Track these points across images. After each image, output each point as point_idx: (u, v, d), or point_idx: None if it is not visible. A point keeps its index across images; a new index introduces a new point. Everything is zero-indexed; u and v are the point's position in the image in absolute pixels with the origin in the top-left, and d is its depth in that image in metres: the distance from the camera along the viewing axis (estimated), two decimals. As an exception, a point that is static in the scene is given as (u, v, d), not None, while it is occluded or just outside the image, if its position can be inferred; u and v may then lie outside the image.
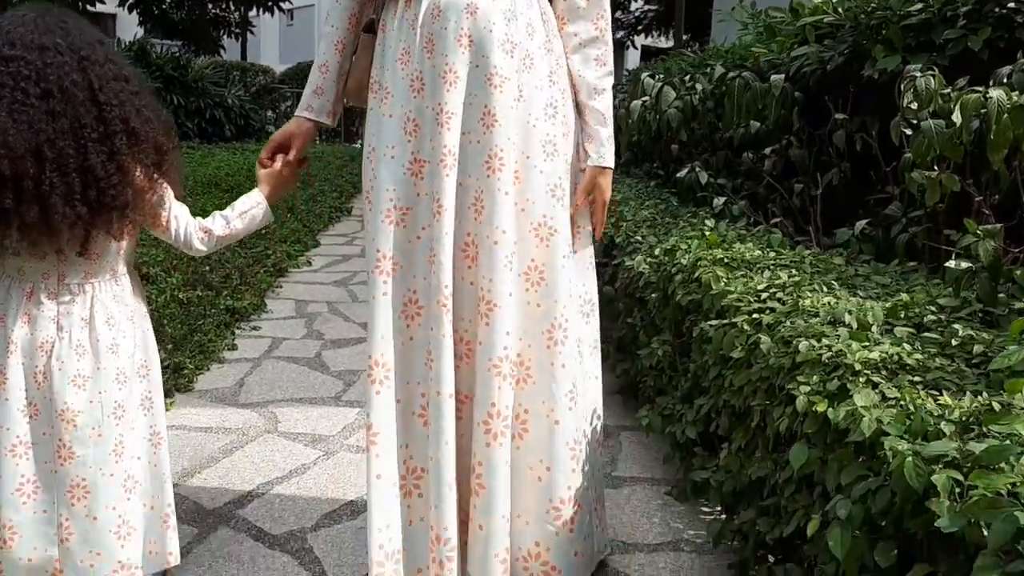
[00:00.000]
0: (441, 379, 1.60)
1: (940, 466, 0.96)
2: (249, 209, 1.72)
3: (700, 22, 15.56)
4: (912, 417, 1.07)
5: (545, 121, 1.65)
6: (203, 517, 2.15)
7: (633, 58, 27.89)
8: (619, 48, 22.74)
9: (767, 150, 3.27)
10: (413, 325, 1.67)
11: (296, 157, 1.77)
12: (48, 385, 1.50)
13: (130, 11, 18.39)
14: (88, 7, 16.25)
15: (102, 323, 1.54)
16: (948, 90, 1.88)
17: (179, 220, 1.64)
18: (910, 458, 0.97)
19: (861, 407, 1.14)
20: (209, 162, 8.46)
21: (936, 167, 1.87)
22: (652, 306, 2.43)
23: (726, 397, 1.80)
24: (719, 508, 2.05)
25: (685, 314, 2.20)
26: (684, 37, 15.85)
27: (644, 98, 3.93)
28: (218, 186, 7.03)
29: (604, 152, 1.73)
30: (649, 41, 24.22)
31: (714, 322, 1.88)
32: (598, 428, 1.89)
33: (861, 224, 2.29)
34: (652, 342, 2.41)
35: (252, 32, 19.93)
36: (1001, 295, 1.61)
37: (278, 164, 1.77)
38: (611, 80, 1.77)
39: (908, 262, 2.06)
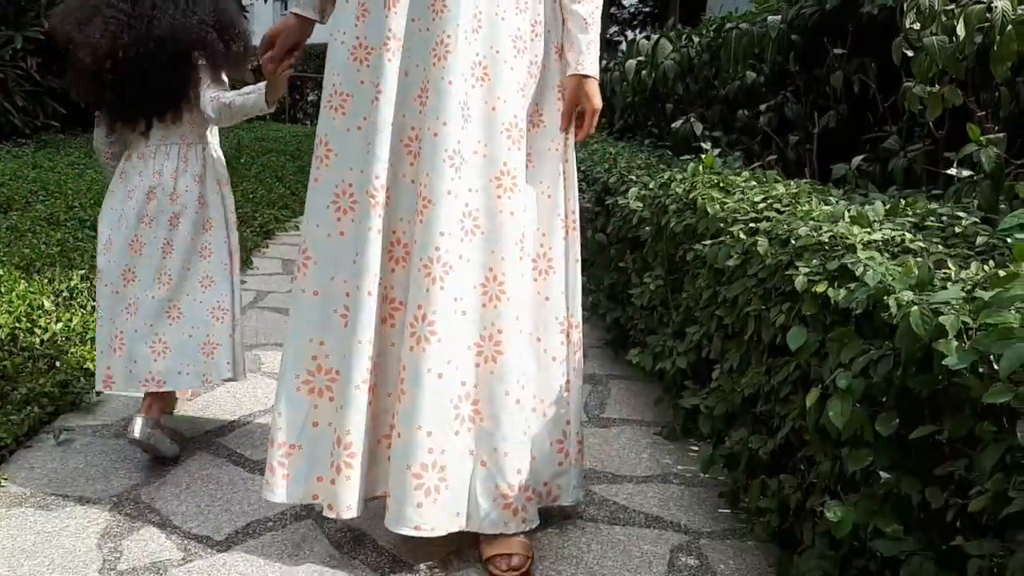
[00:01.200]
0: (363, 274, 1.51)
1: (948, 310, 0.91)
2: (249, 92, 1.93)
3: (694, 20, 15.57)
4: (919, 271, 1.03)
5: (516, 15, 1.56)
6: (181, 443, 2.09)
7: (627, 54, 27.90)
8: (612, 46, 22.73)
9: (763, 106, 3.23)
10: (344, 219, 1.58)
11: (279, 52, 1.70)
12: (154, 223, 1.97)
13: None
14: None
15: (189, 177, 2.00)
16: (951, 6, 1.84)
17: (206, 94, 1.97)
18: (916, 307, 0.93)
19: (865, 260, 1.10)
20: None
21: (938, 84, 1.83)
22: (645, 242, 2.39)
23: (719, 313, 1.76)
24: (709, 440, 2.01)
25: (678, 245, 2.16)
26: (677, 24, 15.85)
27: (639, 57, 3.89)
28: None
29: (584, 59, 1.62)
30: (643, 37, 24.28)
31: (708, 241, 1.84)
32: (576, 342, 1.80)
33: (858, 159, 2.25)
34: (644, 278, 2.36)
35: (246, 16, 19.79)
36: (1003, 206, 1.58)
37: (270, 67, 1.72)
38: None
39: (906, 190, 2.03)
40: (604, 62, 6.23)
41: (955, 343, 0.87)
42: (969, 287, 1.01)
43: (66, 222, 3.99)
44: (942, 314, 0.89)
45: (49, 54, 7.66)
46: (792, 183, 2.11)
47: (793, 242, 1.42)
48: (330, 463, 1.57)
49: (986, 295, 0.91)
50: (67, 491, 1.83)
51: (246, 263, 4.01)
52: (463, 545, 1.71)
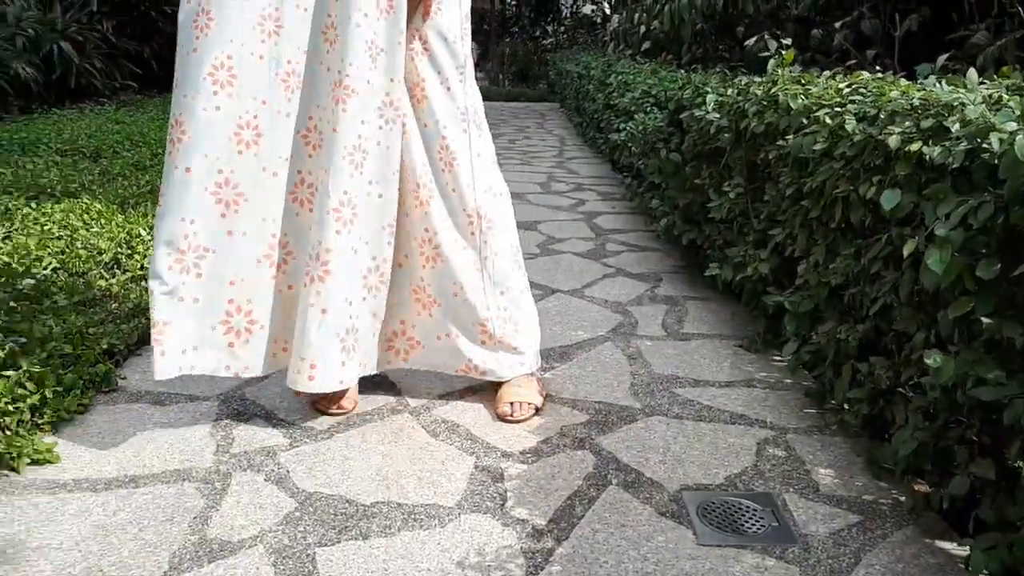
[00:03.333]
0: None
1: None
2: None
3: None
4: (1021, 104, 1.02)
5: None
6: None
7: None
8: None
9: (837, 24, 3.15)
10: (222, 93, 1.56)
11: None
12: None
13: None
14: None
15: None
16: None
17: None
18: (1022, 136, 0.93)
19: (957, 136, 1.09)
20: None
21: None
22: (723, 153, 2.38)
23: (805, 205, 1.76)
24: (794, 340, 2.01)
25: (759, 148, 2.15)
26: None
27: (708, -18, 3.82)
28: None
29: None
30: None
31: (791, 137, 1.83)
32: (513, 244, 1.87)
33: (943, 58, 2.20)
34: (723, 188, 2.36)
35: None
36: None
37: None
38: None
39: (997, 82, 1.97)
40: None
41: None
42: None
43: (151, 167, 4.15)
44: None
45: (124, 17, 7.90)
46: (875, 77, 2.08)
47: (883, 115, 1.41)
48: (222, 331, 1.66)
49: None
50: (177, 390, 1.95)
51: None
52: (554, 433, 1.77)
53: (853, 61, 2.55)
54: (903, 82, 1.60)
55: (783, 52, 2.19)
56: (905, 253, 1.18)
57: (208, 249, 1.60)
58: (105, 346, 2.03)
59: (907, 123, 1.27)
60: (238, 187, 1.60)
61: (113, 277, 2.48)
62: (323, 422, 1.81)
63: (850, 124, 1.48)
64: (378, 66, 1.59)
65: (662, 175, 3.02)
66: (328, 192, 1.59)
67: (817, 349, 1.84)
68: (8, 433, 1.57)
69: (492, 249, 1.79)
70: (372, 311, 1.74)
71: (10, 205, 3.09)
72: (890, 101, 1.35)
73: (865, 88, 1.68)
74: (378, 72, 1.59)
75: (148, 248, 2.74)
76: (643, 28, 6.17)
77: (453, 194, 1.74)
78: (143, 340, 2.22)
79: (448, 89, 1.71)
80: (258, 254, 1.66)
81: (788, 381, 2.09)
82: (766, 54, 3.01)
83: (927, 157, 1.17)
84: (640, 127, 2.95)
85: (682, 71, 3.50)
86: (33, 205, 3.16)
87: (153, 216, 3.14)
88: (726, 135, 2.29)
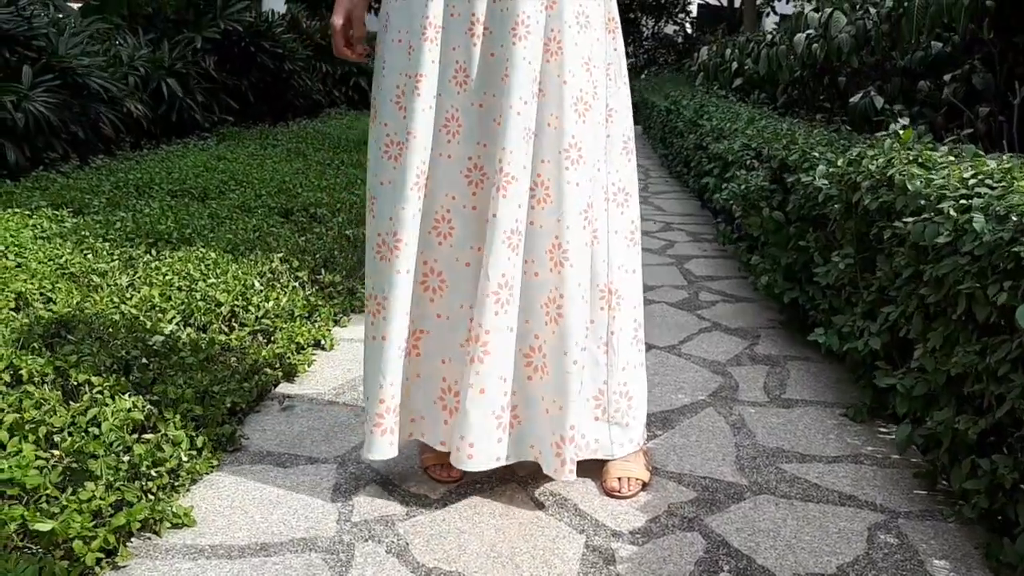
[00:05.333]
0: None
1: None
2: None
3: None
4: None
5: None
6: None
7: (771, 25, 26.85)
8: (758, 16, 21.94)
9: (947, 76, 3.09)
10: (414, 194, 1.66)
11: (361, 33, 1.79)
12: None
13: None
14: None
15: None
16: None
17: None
18: None
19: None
20: (358, 125, 8.82)
21: None
22: (832, 221, 2.36)
23: (923, 292, 1.74)
24: (903, 420, 1.99)
25: (871, 224, 2.13)
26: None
27: (808, 31, 3.79)
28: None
29: None
30: (789, 8, 23.29)
31: (910, 219, 1.81)
32: (637, 320, 1.87)
33: (1068, 130, 2.14)
34: (832, 258, 2.34)
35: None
36: None
37: (359, 50, 1.81)
38: None
39: None
40: (760, 34, 6.08)
41: None
42: None
43: (256, 209, 4.33)
44: None
45: (226, 53, 8.27)
46: (1001, 156, 2.04)
47: (1015, 218, 1.40)
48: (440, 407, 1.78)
49: None
50: (297, 451, 2.04)
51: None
52: (662, 512, 1.79)
53: (967, 131, 2.50)
54: (1033, 176, 1.57)
55: (896, 122, 2.17)
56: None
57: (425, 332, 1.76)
58: (229, 404, 2.14)
59: (1045, 237, 1.26)
60: (441, 275, 1.75)
61: (232, 332, 2.61)
62: (436, 489, 1.87)
63: (978, 223, 1.47)
64: (531, 149, 1.65)
65: (763, 231, 3.01)
66: (488, 275, 1.64)
67: (931, 433, 1.81)
68: (151, 498, 1.68)
69: (618, 324, 1.83)
70: (537, 392, 1.75)
71: (133, 254, 3.28)
72: (1021, 197, 1.33)
73: (991, 178, 1.66)
74: (530, 155, 1.65)
75: (262, 300, 2.87)
76: (735, 64, 6.14)
77: (589, 267, 1.76)
78: (262, 396, 2.33)
79: (598, 170, 1.76)
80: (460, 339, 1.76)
81: (896, 457, 2.06)
82: (875, 117, 2.98)
83: (1069, 277, 1.15)
84: (742, 186, 2.94)
85: (783, 123, 3.47)
86: (153, 253, 3.35)
87: (264, 263, 3.29)
88: (836, 206, 2.28)
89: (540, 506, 1.81)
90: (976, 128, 2.78)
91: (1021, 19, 2.64)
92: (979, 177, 1.68)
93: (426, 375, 1.79)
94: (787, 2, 22.40)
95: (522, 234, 1.65)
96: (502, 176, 1.62)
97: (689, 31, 25.24)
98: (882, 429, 2.23)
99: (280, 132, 7.83)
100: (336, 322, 2.98)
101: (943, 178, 1.73)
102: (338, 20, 1.75)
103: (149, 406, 1.97)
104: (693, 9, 25.89)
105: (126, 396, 2.00)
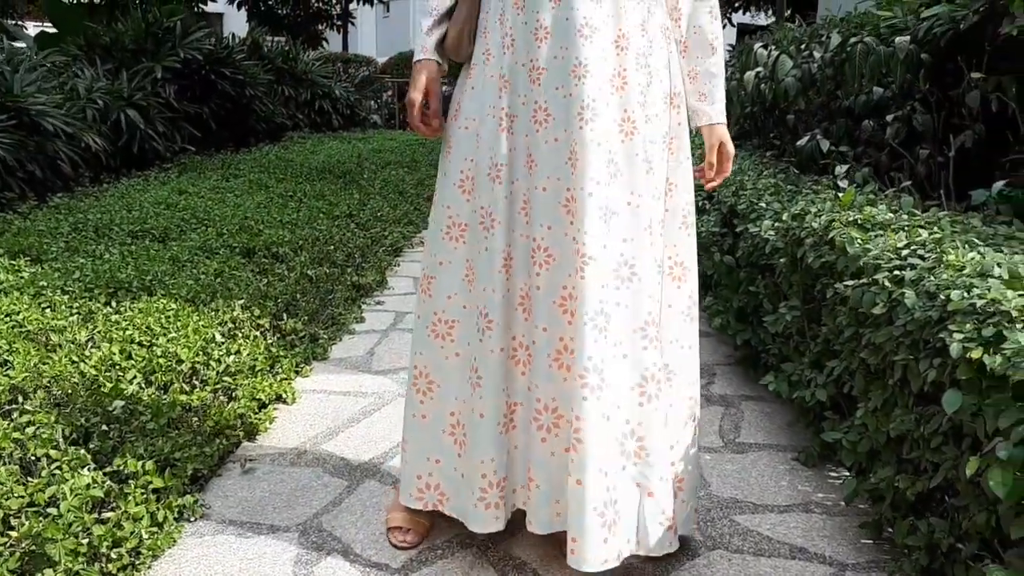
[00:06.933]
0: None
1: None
2: None
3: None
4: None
5: (637, 71, 1.64)
6: (351, 471, 2.30)
7: (729, 36, 27.27)
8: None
9: (889, 117, 3.19)
10: (500, 276, 1.68)
11: (437, 107, 1.79)
12: None
13: (239, 8, 19.15)
14: (200, 6, 17.07)
15: None
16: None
17: None
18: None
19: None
20: (321, 150, 8.81)
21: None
22: (779, 272, 2.44)
23: (863, 355, 1.81)
24: (849, 472, 2.06)
25: (816, 278, 2.20)
26: (786, 13, 15.37)
27: (757, 69, 3.89)
28: (331, 172, 7.31)
29: (721, 108, 1.78)
30: (747, 19, 23.64)
31: (850, 282, 1.88)
32: (694, 398, 1.85)
33: (999, 185, 2.23)
34: (779, 308, 2.42)
35: (353, 24, 20.45)
36: None
37: (435, 125, 1.80)
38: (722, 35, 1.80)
39: (1054, 222, 2.01)
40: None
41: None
42: None
43: (218, 250, 4.33)
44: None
45: (185, 81, 8.23)
46: (931, 215, 2.12)
47: (942, 296, 1.47)
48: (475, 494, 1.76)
49: None
50: (259, 519, 2.05)
51: (382, 284, 4.25)
52: (619, 574, 1.83)
53: (907, 183, 2.59)
54: (963, 252, 1.65)
55: (841, 167, 2.24)
56: (969, 472, 1.23)
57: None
58: (191, 471, 2.14)
59: (968, 326, 1.32)
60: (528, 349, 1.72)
61: (193, 391, 2.61)
62: (397, 557, 1.90)
63: (909, 299, 1.54)
64: (611, 228, 1.63)
65: (717, 272, 3.08)
66: (577, 360, 1.62)
67: (876, 487, 1.88)
68: (112, 582, 1.69)
69: (668, 400, 1.78)
70: (634, 480, 1.71)
71: (93, 307, 3.26)
72: (950, 300, 1.40)
73: (923, 248, 1.73)
74: (612, 235, 1.63)
75: (223, 354, 2.87)
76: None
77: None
78: (223, 459, 2.34)
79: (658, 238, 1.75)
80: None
81: (844, 506, 2.12)
82: (821, 160, 3.06)
83: (988, 368, 1.22)
84: (694, 232, 3.02)
85: (734, 163, 3.56)
86: (113, 304, 3.33)
87: (226, 312, 3.29)
88: (782, 260, 2.35)
89: (500, 572, 1.85)
90: (916, 172, 2.88)
91: (951, 74, 2.75)
92: (911, 248, 1.75)
93: (523, 445, 1.76)
94: (744, 12, 22.77)
95: (609, 316, 1.62)
96: (579, 259, 1.60)
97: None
98: (832, 474, 2.30)
99: (242, 160, 7.79)
100: (298, 372, 2.99)
101: (879, 248, 1.80)
102: (417, 96, 1.75)
103: (109, 482, 1.97)
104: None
105: (85, 471, 2.00)
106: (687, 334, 1.81)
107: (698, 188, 3.58)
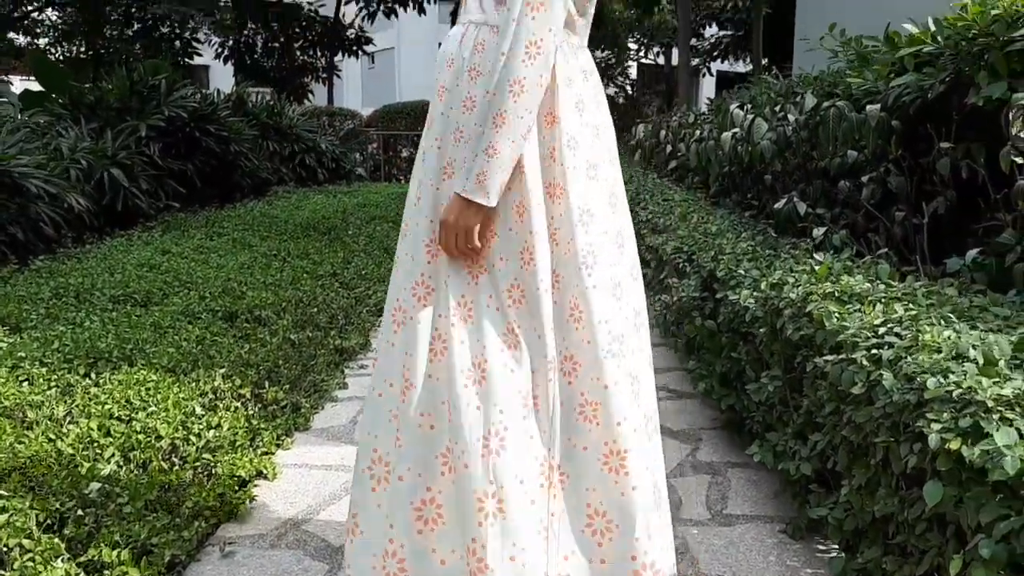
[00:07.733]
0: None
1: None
2: None
3: (779, 47, 15.39)
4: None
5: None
6: (332, 554, 2.26)
7: (708, 85, 27.73)
8: (694, 74, 22.71)
9: (864, 178, 3.24)
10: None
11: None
12: None
13: (224, 63, 19.37)
14: (186, 61, 17.25)
15: None
16: (1063, 119, 1.86)
17: None
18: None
19: (1003, 446, 1.15)
20: (306, 205, 8.83)
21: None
22: (760, 341, 2.44)
23: (845, 433, 1.81)
24: (836, 546, 2.04)
25: (796, 349, 2.21)
26: (763, 62, 15.71)
27: (734, 130, 3.95)
28: (316, 229, 7.32)
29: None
30: (725, 67, 24.12)
31: (829, 357, 1.89)
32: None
33: (972, 253, 2.26)
34: (761, 377, 2.42)
35: (339, 76, 20.67)
36: None
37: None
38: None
39: (1027, 293, 2.03)
40: (691, 117, 6.29)
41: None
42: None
43: (200, 314, 4.30)
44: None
45: (170, 139, 8.27)
46: (907, 285, 2.14)
47: (919, 380, 1.47)
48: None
49: None
50: (237, 608, 2.01)
51: (365, 346, 4.23)
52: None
53: (884, 250, 2.62)
54: (939, 330, 1.66)
55: (819, 228, 2.25)
56: (952, 573, 1.22)
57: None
58: (168, 558, 2.10)
59: (945, 415, 1.33)
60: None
61: (172, 469, 2.57)
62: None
63: (887, 381, 1.55)
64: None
65: (699, 336, 3.08)
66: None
67: (863, 567, 1.86)
68: None
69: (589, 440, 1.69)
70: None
71: (71, 380, 3.23)
72: (926, 388, 1.41)
73: (899, 325, 1.75)
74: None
75: (203, 428, 2.84)
76: (669, 147, 6.33)
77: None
78: (202, 542, 2.29)
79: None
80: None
81: (834, 581, 2.10)
82: (799, 223, 3.10)
83: (967, 460, 1.22)
84: (674, 298, 3.03)
85: (715, 216, 3.60)
86: (92, 376, 3.30)
87: (206, 382, 3.26)
88: (761, 329, 2.36)
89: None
90: (892, 234, 2.91)
91: (921, 140, 2.81)
92: (888, 326, 1.77)
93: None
94: (722, 61, 23.16)
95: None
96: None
97: (630, 92, 25.95)
98: (820, 547, 2.28)
99: (227, 217, 7.79)
100: (279, 445, 2.96)
101: (855, 325, 1.81)
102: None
103: (83, 573, 1.93)
104: (632, 71, 26.66)
105: (59, 562, 1.96)
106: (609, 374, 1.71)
107: (677, 250, 3.61)
